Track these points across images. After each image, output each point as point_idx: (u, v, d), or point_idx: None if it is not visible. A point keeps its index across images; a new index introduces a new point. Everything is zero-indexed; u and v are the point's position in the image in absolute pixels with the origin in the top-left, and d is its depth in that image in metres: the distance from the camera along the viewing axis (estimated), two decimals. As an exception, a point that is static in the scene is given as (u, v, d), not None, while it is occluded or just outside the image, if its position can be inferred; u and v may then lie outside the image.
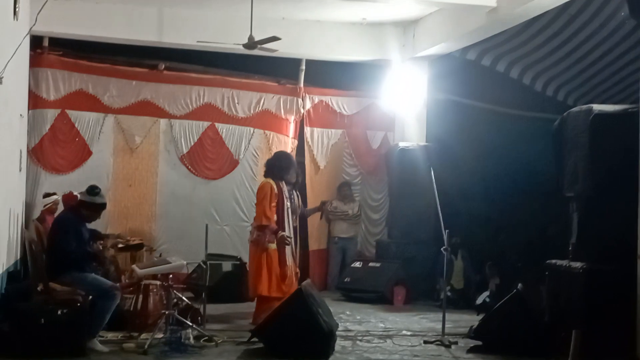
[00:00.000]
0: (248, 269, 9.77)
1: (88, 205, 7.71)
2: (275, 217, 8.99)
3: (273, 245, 8.94)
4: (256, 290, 8.98)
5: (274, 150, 11.56)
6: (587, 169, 7.73)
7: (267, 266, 8.91)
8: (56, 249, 7.63)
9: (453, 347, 7.96)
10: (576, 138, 7.95)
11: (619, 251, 7.48)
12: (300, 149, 12.65)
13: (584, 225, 7.88)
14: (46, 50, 11.24)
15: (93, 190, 7.77)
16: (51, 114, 11.27)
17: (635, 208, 7.39)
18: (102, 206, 7.87)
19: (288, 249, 9.03)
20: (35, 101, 11.12)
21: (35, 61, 11.10)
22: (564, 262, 7.97)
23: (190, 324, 7.78)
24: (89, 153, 11.49)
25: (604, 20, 10.52)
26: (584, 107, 8.08)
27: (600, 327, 7.28)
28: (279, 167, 9.27)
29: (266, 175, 9.27)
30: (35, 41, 10.93)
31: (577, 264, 7.69)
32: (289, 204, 9.21)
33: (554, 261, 8.21)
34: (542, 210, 12.17)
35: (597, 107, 7.86)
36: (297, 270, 9.24)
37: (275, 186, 9.04)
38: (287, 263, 9.00)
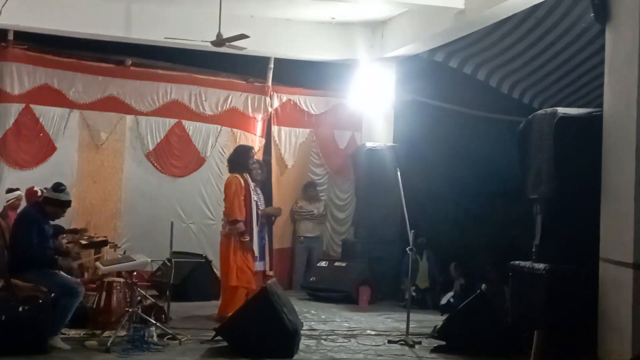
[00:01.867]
0: (220, 263, 9.70)
1: (53, 202, 7.62)
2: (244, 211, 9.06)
3: (246, 237, 9.01)
4: (228, 281, 8.99)
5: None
6: (551, 172, 7.79)
7: (239, 257, 8.93)
8: (18, 245, 7.53)
9: (417, 346, 7.98)
10: (540, 141, 8.02)
11: (581, 253, 7.55)
12: (267, 147, 12.64)
13: (547, 227, 7.95)
14: (11, 43, 11.07)
15: (58, 187, 7.69)
16: (15, 109, 11.10)
17: (597, 210, 7.48)
18: (67, 204, 7.78)
19: (255, 243, 9.06)
20: (-2, 95, 10.98)
21: (0, 55, 10.95)
22: (527, 263, 8.04)
23: (154, 322, 7.73)
24: (54, 149, 11.35)
25: (570, 24, 10.63)
26: (549, 110, 8.14)
27: (562, 328, 7.34)
28: (239, 161, 9.34)
29: (231, 171, 9.30)
30: (0, 34, 10.78)
31: (540, 265, 7.75)
32: (256, 197, 9.32)
33: (517, 262, 8.27)
34: (507, 211, 12.28)
35: (561, 110, 7.92)
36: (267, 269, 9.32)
37: (242, 180, 9.08)
38: (256, 253, 9.05)
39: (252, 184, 9.32)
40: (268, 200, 12.01)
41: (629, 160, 7.14)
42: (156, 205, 11.78)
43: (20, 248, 7.46)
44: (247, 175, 9.30)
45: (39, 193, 8.86)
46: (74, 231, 9.91)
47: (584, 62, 11.54)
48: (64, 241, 7.88)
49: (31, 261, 7.38)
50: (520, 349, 7.42)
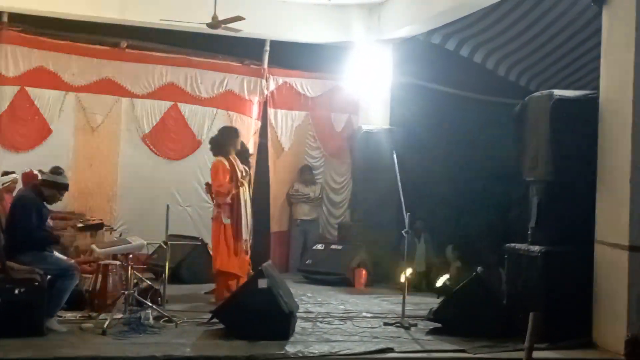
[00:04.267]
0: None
1: (50, 184, 7.62)
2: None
3: (229, 221, 8.99)
4: (215, 265, 9.04)
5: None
6: (547, 154, 7.80)
7: (224, 241, 8.96)
8: (17, 226, 7.53)
9: (412, 329, 8.00)
10: (537, 123, 8.02)
11: (576, 235, 7.59)
12: (263, 130, 12.61)
13: (543, 209, 7.96)
14: (5, 25, 11.02)
15: (57, 170, 7.70)
16: (10, 91, 11.07)
17: (593, 192, 7.50)
18: (65, 186, 7.77)
19: (243, 223, 9.03)
20: (-7, 77, 10.93)
21: (-6, 37, 10.91)
22: (523, 246, 8.05)
23: (150, 304, 7.75)
24: (49, 131, 11.31)
25: (567, 6, 10.61)
26: (545, 92, 8.13)
27: (557, 310, 7.36)
28: (224, 143, 9.30)
29: (215, 154, 9.29)
30: (-5, 17, 10.75)
31: (536, 247, 7.77)
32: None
33: (513, 244, 8.29)
34: (504, 194, 12.27)
35: (557, 92, 7.91)
36: (248, 249, 9.30)
37: (226, 163, 9.06)
38: (243, 236, 9.03)
39: (239, 165, 9.29)
40: (265, 183, 12.10)
41: (624, 142, 7.15)
42: (152, 188, 11.74)
43: (19, 230, 7.46)
44: (234, 157, 9.27)
45: (39, 176, 8.84)
46: (65, 218, 9.94)
47: (581, 45, 11.52)
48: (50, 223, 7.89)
49: (29, 243, 7.39)
50: (515, 330, 7.42)
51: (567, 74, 12.48)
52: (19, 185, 9.52)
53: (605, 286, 7.32)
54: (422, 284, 11.14)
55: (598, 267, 7.42)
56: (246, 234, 9.16)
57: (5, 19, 11.00)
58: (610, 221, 7.31)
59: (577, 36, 11.29)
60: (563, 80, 12.55)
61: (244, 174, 9.33)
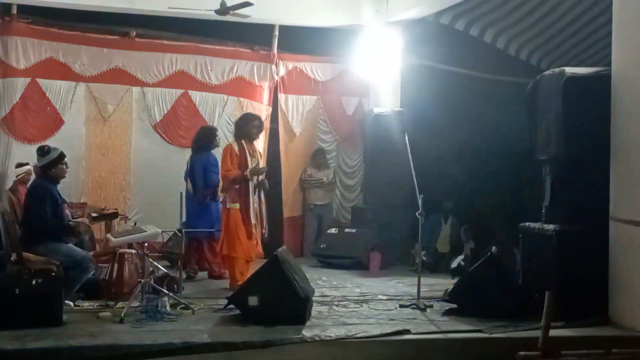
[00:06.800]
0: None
1: (50, 164, 7.76)
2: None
3: (235, 205, 8.98)
4: (221, 250, 9.07)
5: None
6: (560, 132, 7.76)
7: (231, 226, 8.95)
8: (32, 218, 7.60)
9: (428, 310, 8.01)
10: (549, 101, 7.98)
11: (591, 213, 7.55)
12: (274, 115, 12.61)
13: (557, 187, 7.94)
14: (15, 18, 11.02)
15: (42, 150, 7.85)
16: (21, 83, 11.09)
17: (607, 170, 7.47)
18: (62, 157, 7.88)
19: (251, 209, 9.00)
20: (4, 70, 10.92)
21: (4, 29, 10.90)
22: (537, 225, 8.04)
23: (167, 292, 7.77)
24: (61, 122, 11.34)
25: (577, -17, 10.55)
26: (557, 70, 8.08)
27: (573, 289, 7.36)
28: (236, 126, 9.35)
29: (234, 137, 9.33)
30: (3, 9, 10.76)
31: (550, 226, 7.76)
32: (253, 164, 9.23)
33: (527, 224, 8.28)
34: (517, 173, 12.24)
35: (569, 70, 7.86)
36: (264, 230, 9.26)
37: (236, 147, 9.05)
38: (252, 221, 9.01)
39: (250, 150, 9.20)
40: (277, 169, 12.09)
41: (637, 118, 7.13)
42: (165, 176, 11.74)
43: (34, 221, 7.54)
44: (247, 141, 9.23)
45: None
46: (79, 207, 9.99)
47: (591, 21, 11.43)
48: (67, 211, 7.95)
49: (44, 234, 7.46)
50: (531, 310, 7.42)
51: (578, 51, 12.40)
52: (33, 177, 9.59)
53: (621, 263, 7.30)
54: (441, 266, 11.13)
55: (613, 244, 7.40)
56: (254, 219, 9.11)
57: (14, 11, 10.98)
58: (625, 198, 7.28)
59: (588, 13, 11.20)
60: (574, 57, 12.46)
61: (259, 161, 9.29)
